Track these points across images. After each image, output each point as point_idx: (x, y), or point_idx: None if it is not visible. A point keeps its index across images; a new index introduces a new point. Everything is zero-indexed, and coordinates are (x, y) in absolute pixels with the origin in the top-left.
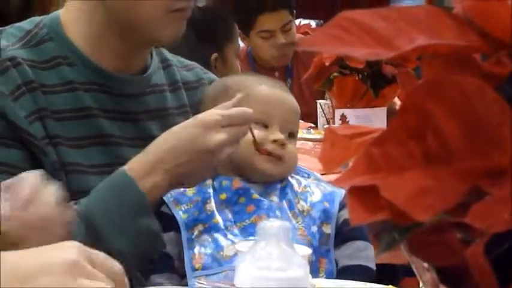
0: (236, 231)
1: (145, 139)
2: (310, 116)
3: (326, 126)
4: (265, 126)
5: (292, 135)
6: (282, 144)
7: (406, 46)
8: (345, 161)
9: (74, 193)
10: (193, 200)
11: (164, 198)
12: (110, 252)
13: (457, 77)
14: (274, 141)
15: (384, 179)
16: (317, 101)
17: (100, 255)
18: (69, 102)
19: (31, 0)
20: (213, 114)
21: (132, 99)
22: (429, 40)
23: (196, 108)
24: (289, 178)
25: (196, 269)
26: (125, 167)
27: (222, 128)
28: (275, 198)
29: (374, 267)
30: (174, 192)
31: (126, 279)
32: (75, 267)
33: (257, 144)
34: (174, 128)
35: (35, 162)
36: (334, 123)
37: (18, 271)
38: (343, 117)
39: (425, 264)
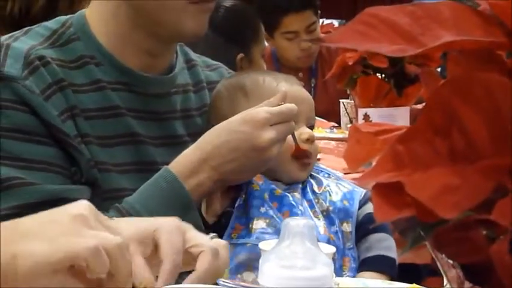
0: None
1: (171, 138)
2: (334, 115)
3: (349, 125)
4: None
5: (312, 129)
6: (312, 141)
7: (432, 42)
8: (370, 158)
9: (104, 191)
10: None
11: None
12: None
13: (483, 75)
14: (307, 140)
15: (409, 176)
16: (340, 100)
17: (109, 220)
18: (98, 101)
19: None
20: (261, 112)
21: (158, 99)
22: (455, 36)
23: None
24: (310, 178)
25: (232, 237)
26: (171, 164)
27: (271, 126)
28: (297, 195)
29: (395, 257)
30: None
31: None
32: (81, 219)
33: (298, 147)
34: (222, 125)
35: (69, 161)
36: (357, 122)
37: (20, 226)
38: (366, 117)
39: (451, 261)
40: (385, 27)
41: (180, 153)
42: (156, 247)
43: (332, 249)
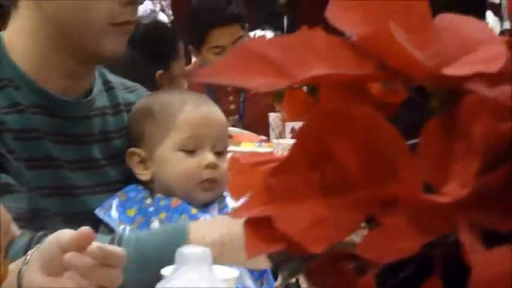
0: None
1: (88, 162)
2: (264, 128)
3: (277, 139)
4: (193, 151)
5: (222, 153)
6: (215, 166)
7: (302, 75)
8: (250, 190)
9: (31, 211)
10: (136, 221)
11: (108, 219)
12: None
13: (354, 108)
14: (207, 166)
15: (279, 209)
16: (268, 114)
17: None
18: (20, 123)
19: None
20: None
21: (77, 122)
22: (325, 69)
23: None
24: (228, 198)
25: None
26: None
27: None
28: (216, 214)
29: None
30: (117, 211)
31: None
32: None
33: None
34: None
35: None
36: (285, 136)
37: None
38: (294, 131)
39: None
40: (257, 61)
41: (98, 177)
42: None
43: (235, 273)
